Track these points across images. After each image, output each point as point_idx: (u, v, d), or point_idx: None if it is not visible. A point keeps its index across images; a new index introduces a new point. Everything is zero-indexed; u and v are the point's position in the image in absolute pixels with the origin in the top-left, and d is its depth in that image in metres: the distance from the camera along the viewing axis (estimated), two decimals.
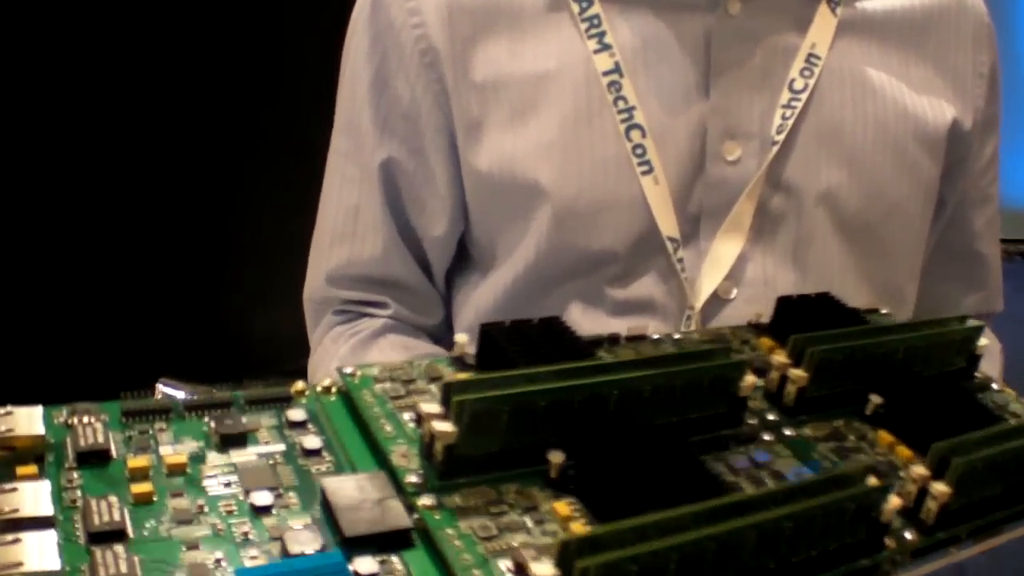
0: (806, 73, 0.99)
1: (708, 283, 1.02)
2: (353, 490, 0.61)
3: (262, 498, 0.61)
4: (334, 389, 0.73)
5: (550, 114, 1.00)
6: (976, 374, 0.85)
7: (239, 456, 0.65)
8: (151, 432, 0.65)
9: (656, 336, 0.82)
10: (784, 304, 0.85)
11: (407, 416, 0.69)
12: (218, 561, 0.55)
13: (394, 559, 0.58)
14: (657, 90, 0.99)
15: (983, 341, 0.87)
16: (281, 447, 0.67)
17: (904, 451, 0.73)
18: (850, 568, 0.62)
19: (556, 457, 0.65)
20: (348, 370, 0.74)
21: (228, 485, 0.62)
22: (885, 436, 0.75)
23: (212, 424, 0.66)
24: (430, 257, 1.15)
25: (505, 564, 0.58)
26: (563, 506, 0.63)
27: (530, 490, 0.64)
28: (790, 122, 0.99)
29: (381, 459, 0.66)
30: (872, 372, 0.78)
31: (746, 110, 1.00)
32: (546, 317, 0.76)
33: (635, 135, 0.97)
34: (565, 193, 1.00)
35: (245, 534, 0.58)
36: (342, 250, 1.13)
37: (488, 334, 0.74)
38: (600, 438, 0.65)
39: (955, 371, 0.83)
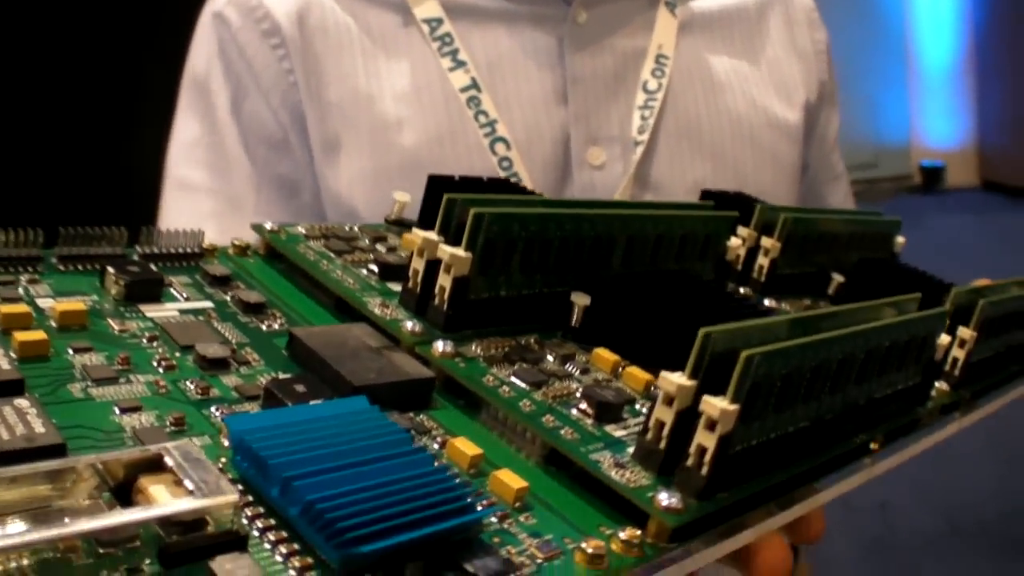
0: (657, 73, 0.90)
1: None
2: (337, 338, 0.42)
3: (214, 350, 0.40)
4: (250, 251, 0.52)
5: (411, 133, 0.85)
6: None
7: (156, 312, 0.44)
8: (21, 283, 0.41)
9: None
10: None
11: (364, 272, 0.50)
12: (177, 422, 0.34)
13: (422, 418, 0.39)
14: (517, 102, 0.87)
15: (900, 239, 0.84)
16: (208, 304, 0.46)
17: None
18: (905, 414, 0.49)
19: (581, 299, 0.48)
20: (269, 225, 0.53)
21: (153, 341, 0.40)
22: None
23: (112, 273, 0.43)
24: None
25: (573, 409, 0.40)
26: (606, 353, 0.46)
27: (551, 341, 0.47)
28: (650, 122, 0.89)
29: (352, 315, 0.46)
30: (827, 251, 0.68)
31: (605, 115, 0.89)
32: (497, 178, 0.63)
33: (500, 148, 0.84)
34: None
35: (205, 391, 0.37)
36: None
37: (436, 183, 0.54)
38: (623, 282, 0.48)
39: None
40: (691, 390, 0.38)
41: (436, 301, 0.46)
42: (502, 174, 0.84)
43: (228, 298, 0.47)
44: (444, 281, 0.45)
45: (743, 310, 0.51)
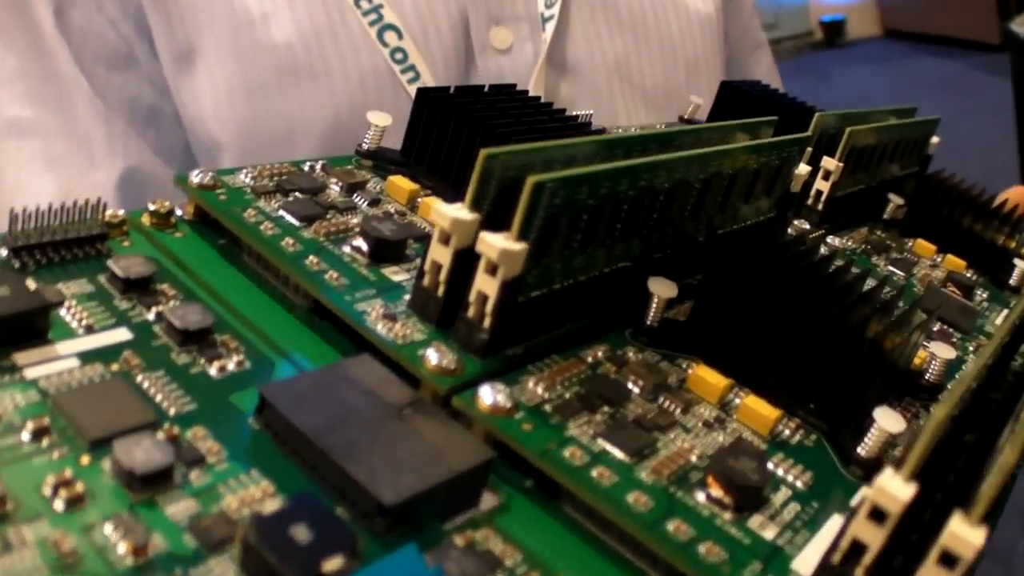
0: None
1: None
2: (334, 397, 0.22)
3: (147, 455, 0.19)
4: (175, 219, 0.29)
5: (279, 29, 0.60)
6: None
7: (39, 367, 0.22)
8: None
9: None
10: (726, 90, 0.55)
11: (347, 250, 0.28)
12: None
13: (477, 536, 0.21)
14: None
15: (935, 139, 0.60)
16: (124, 335, 0.24)
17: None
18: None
19: (664, 289, 0.29)
20: (198, 177, 0.29)
21: (42, 438, 0.20)
22: (923, 244, 0.48)
23: None
24: None
25: (693, 493, 0.23)
26: (707, 372, 0.27)
27: (625, 352, 0.28)
28: None
29: (334, 321, 0.27)
30: (875, 165, 0.50)
31: None
32: (500, 84, 0.38)
33: (390, 38, 0.62)
34: (319, 123, 0.59)
35: (140, 549, 0.18)
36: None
37: (426, 98, 0.35)
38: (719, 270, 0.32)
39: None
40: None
41: (471, 313, 0.24)
42: (396, 68, 0.61)
43: (152, 316, 0.25)
44: (487, 287, 0.24)
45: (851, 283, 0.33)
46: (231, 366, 0.23)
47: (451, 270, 0.24)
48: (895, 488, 0.18)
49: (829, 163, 0.42)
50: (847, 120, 0.46)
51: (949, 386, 0.31)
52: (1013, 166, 1.35)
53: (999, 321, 0.41)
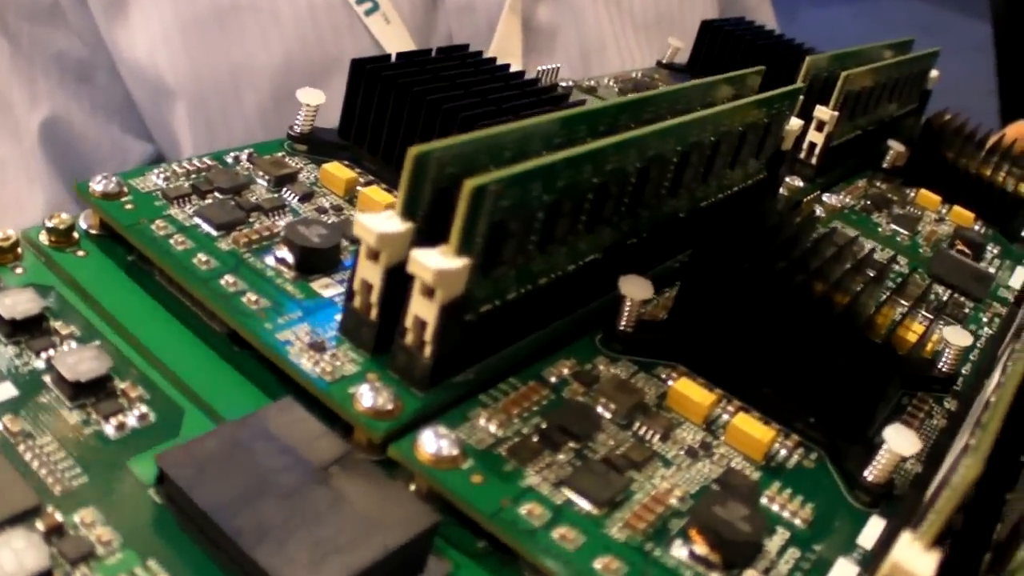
0: None
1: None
2: (245, 461, 0.18)
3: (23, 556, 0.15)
4: (77, 233, 0.25)
5: None
6: None
7: None
8: None
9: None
10: (707, 30, 0.50)
11: (270, 262, 0.24)
12: None
13: None
14: None
15: (934, 73, 0.55)
16: (9, 391, 0.20)
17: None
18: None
19: (638, 290, 0.25)
20: (100, 184, 0.25)
21: None
22: (927, 195, 0.44)
23: None
24: None
25: (673, 549, 0.19)
26: (690, 387, 0.24)
27: (595, 365, 0.24)
28: None
29: (264, 365, 0.22)
30: (872, 107, 0.45)
31: None
32: (451, 46, 0.33)
33: None
34: (267, 67, 0.52)
35: None
36: None
37: (362, 69, 0.30)
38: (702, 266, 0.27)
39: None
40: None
41: (409, 340, 0.21)
42: (353, 0, 0.53)
43: (43, 364, 0.21)
44: (424, 311, 0.20)
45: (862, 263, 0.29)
46: (132, 421, 0.20)
47: (383, 291, 0.20)
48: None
49: (823, 112, 0.38)
50: (840, 62, 0.41)
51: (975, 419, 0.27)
52: (992, 108, 1.30)
53: (1014, 282, 0.37)
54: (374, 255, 0.20)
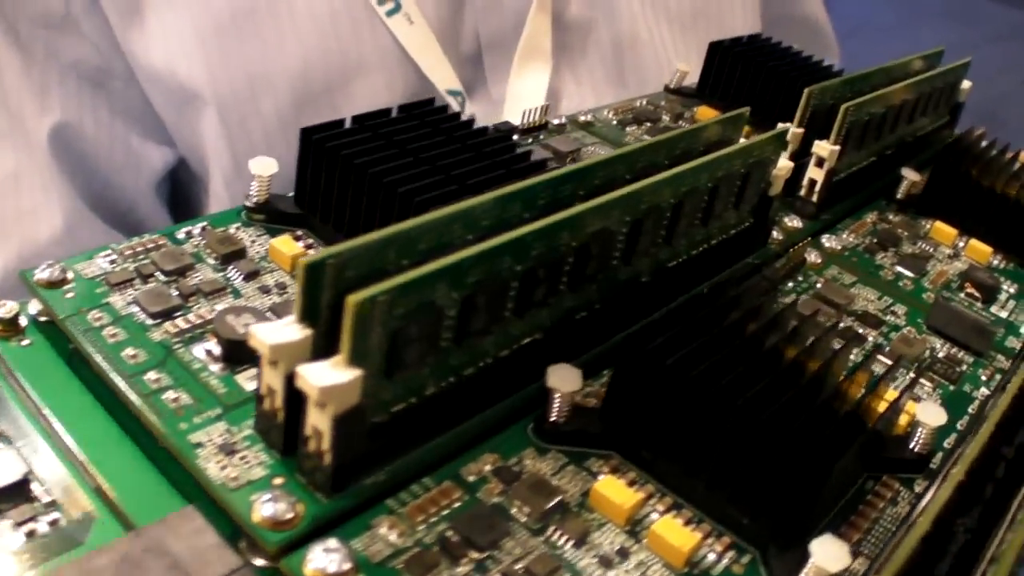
0: None
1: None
2: None
3: None
4: (24, 317, 0.25)
5: None
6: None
7: None
8: None
9: (559, 120, 0.41)
10: (716, 52, 0.47)
11: (199, 353, 0.24)
12: None
13: None
14: None
15: (966, 84, 0.51)
16: None
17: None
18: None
19: (566, 380, 0.24)
20: (45, 272, 0.25)
21: None
22: (942, 228, 0.40)
23: None
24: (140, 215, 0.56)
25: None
26: (613, 487, 0.23)
27: (522, 459, 0.23)
28: None
29: (175, 475, 0.22)
30: (889, 130, 0.43)
31: None
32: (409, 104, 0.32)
33: None
34: (285, 71, 0.51)
35: None
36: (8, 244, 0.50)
37: (309, 139, 0.29)
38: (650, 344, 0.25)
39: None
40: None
41: (310, 448, 0.20)
42: (374, 1, 0.51)
43: None
44: (319, 422, 0.20)
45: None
46: (43, 527, 0.20)
47: (286, 397, 0.20)
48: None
49: (822, 148, 0.36)
50: (849, 87, 0.39)
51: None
52: (1021, 99, 1.22)
53: None
54: (273, 362, 0.20)
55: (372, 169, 0.27)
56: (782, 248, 0.35)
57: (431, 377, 0.22)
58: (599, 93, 0.56)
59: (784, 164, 0.33)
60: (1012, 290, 0.37)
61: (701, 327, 0.24)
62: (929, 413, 0.25)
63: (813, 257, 0.35)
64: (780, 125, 0.37)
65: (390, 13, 0.51)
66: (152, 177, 0.53)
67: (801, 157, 0.37)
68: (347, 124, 0.29)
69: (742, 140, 0.33)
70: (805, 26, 0.75)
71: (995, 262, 0.39)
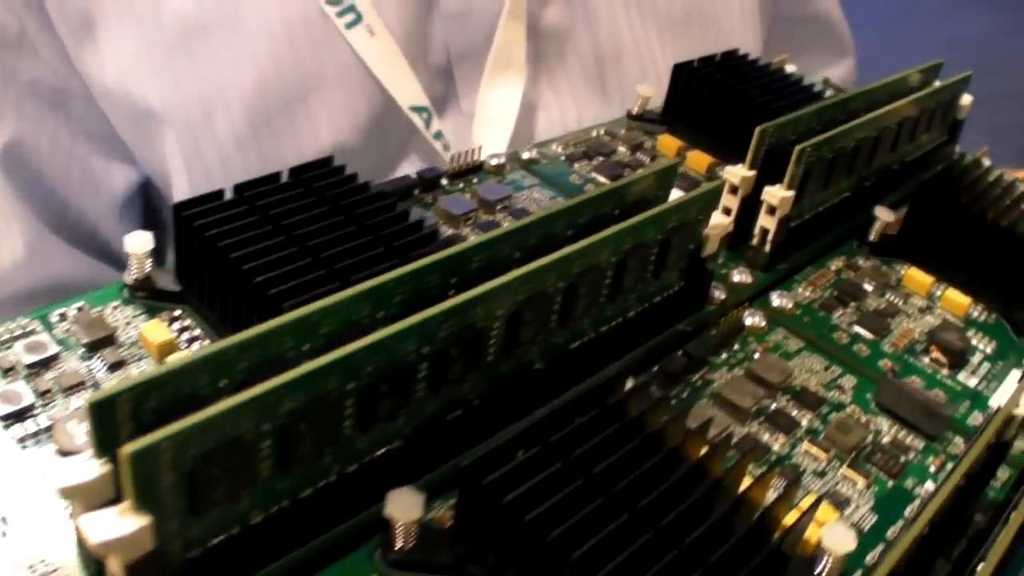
0: None
1: (489, 154, 0.49)
2: None
3: None
4: None
5: None
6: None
7: None
8: None
9: (496, 159, 0.38)
10: (680, 74, 0.43)
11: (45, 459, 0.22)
12: None
13: None
14: None
15: (966, 99, 0.46)
16: None
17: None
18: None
19: (406, 511, 0.21)
20: None
21: None
22: (916, 276, 0.37)
23: None
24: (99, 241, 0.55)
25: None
26: None
27: None
28: None
29: None
30: (866, 161, 0.39)
31: None
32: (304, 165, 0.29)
33: None
34: (238, 88, 0.49)
35: None
36: None
37: (179, 215, 0.27)
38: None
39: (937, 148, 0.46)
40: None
41: None
42: (332, 12, 0.48)
43: None
44: (115, 570, 0.16)
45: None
46: None
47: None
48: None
49: (772, 195, 0.33)
50: (819, 118, 0.36)
51: None
52: None
53: (996, 399, 0.31)
54: (72, 504, 0.18)
55: (234, 253, 0.25)
56: (725, 309, 0.32)
57: (253, 507, 0.20)
58: (580, 105, 0.53)
59: (719, 222, 0.30)
60: (989, 350, 0.33)
61: (558, 450, 0.21)
62: (836, 537, 0.22)
63: (755, 320, 0.31)
64: (728, 170, 0.33)
65: (350, 25, 0.48)
66: (113, 198, 0.52)
67: (755, 202, 0.34)
68: (227, 195, 0.27)
69: (674, 194, 0.30)
70: (817, 25, 0.70)
71: (975, 314, 0.35)
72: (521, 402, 0.25)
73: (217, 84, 0.47)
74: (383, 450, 0.22)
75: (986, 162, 0.46)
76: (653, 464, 0.21)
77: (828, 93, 0.51)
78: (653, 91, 0.42)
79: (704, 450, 0.22)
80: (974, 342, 0.33)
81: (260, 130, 0.48)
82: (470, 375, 0.23)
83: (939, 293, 0.35)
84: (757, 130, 0.33)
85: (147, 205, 0.56)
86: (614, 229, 0.26)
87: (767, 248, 0.34)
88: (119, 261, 0.55)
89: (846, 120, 0.36)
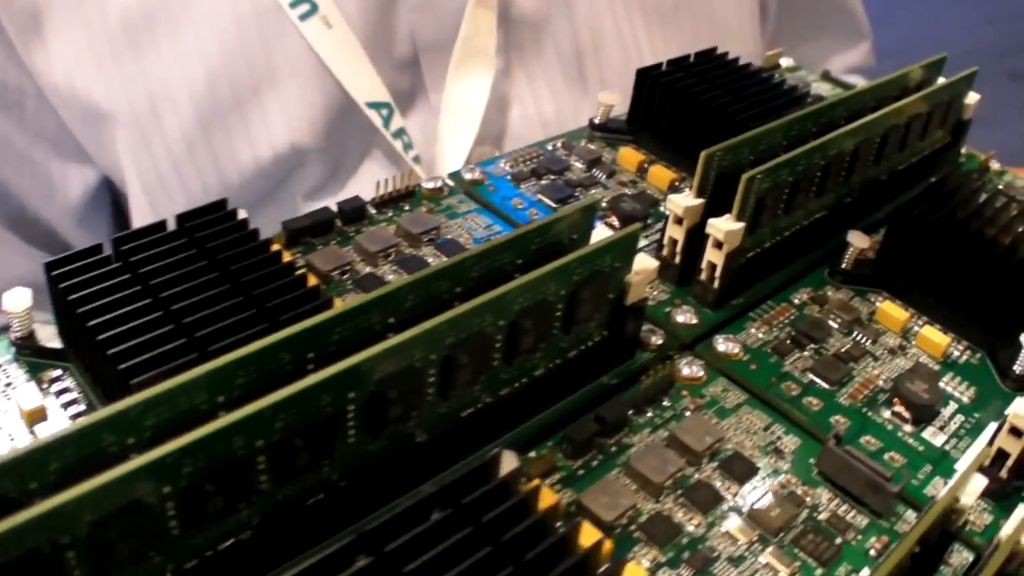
0: None
1: (456, 153, 0.49)
2: None
3: None
4: None
5: None
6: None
7: None
8: None
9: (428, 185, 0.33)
10: (644, 80, 0.39)
11: None
12: None
13: None
14: None
15: (972, 97, 0.42)
16: None
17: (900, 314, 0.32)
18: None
19: None
20: None
21: None
22: (890, 312, 0.33)
23: None
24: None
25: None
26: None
27: None
28: None
29: None
30: (833, 189, 0.35)
31: None
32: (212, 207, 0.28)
33: None
34: (186, 84, 0.47)
35: None
36: None
37: (51, 272, 0.25)
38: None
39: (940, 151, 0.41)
40: None
41: None
42: (285, 3, 0.45)
43: None
44: None
45: None
46: None
47: None
48: None
49: (717, 229, 0.29)
50: (785, 133, 0.33)
51: None
52: None
53: (963, 462, 0.27)
54: None
55: (92, 321, 0.23)
56: (663, 355, 0.29)
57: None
58: (557, 98, 0.50)
59: (644, 267, 0.27)
60: (966, 398, 0.29)
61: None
62: None
63: (692, 370, 0.28)
64: (671, 199, 0.30)
65: (304, 16, 0.46)
66: (67, 200, 0.51)
67: (702, 232, 0.31)
68: (105, 251, 0.25)
69: (595, 235, 0.27)
70: (830, 8, 0.65)
71: (955, 354, 0.31)
72: (401, 480, 0.23)
73: (164, 81, 0.45)
74: (220, 547, 0.20)
75: (994, 166, 0.41)
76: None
77: (827, 90, 0.47)
78: (618, 98, 0.39)
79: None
80: (949, 389, 0.30)
81: (211, 129, 0.46)
82: (327, 463, 0.21)
83: (917, 329, 0.32)
84: (702, 156, 0.30)
85: (117, 204, 0.55)
86: (501, 291, 0.23)
87: (715, 285, 0.30)
88: None
89: (822, 132, 0.32)
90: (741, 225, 0.30)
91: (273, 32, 0.44)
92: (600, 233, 0.27)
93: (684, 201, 0.30)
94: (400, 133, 0.47)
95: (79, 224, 0.52)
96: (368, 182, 0.47)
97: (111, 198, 0.54)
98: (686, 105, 0.37)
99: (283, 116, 0.46)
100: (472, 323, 0.23)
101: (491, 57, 0.47)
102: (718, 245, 0.30)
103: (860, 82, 0.68)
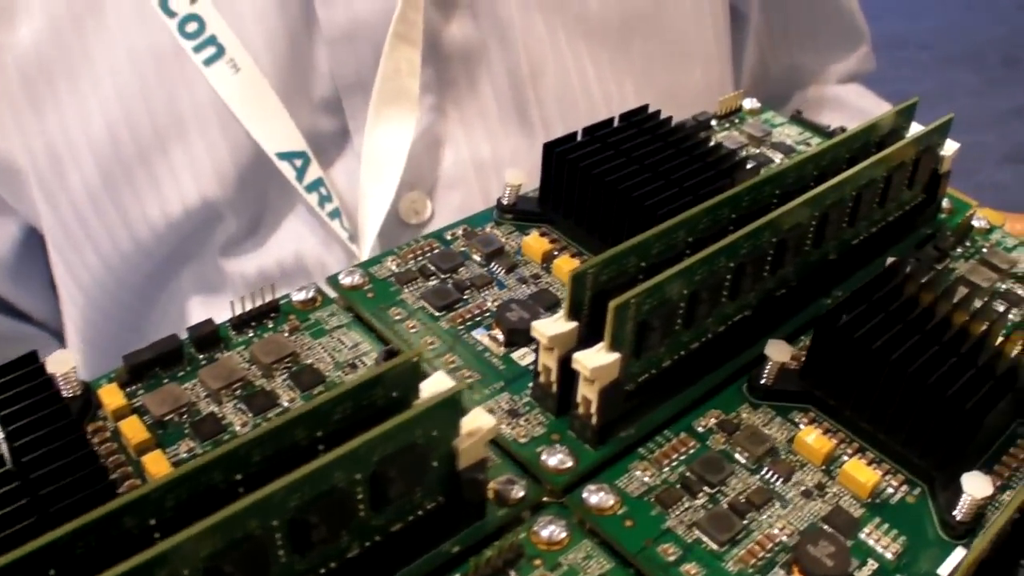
0: None
1: (379, 203, 0.46)
2: None
3: None
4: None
5: (30, 25, 0.44)
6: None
7: None
8: None
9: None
10: (551, 154, 0.35)
11: None
12: None
13: None
14: None
15: (949, 147, 0.37)
16: None
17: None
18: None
19: None
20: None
21: None
22: (808, 442, 0.28)
23: None
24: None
25: None
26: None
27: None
28: None
29: None
30: (763, 283, 0.31)
31: None
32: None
33: (177, 3, 0.43)
34: (85, 137, 0.45)
35: None
36: None
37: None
38: None
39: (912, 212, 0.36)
40: None
41: None
42: (189, 46, 0.43)
43: None
44: None
45: None
46: None
47: None
48: None
49: (582, 364, 0.26)
50: (690, 230, 0.29)
51: None
52: None
53: None
54: None
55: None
56: (521, 513, 0.25)
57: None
58: (494, 139, 0.46)
59: (477, 427, 0.23)
60: (891, 553, 0.25)
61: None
62: None
63: (552, 532, 0.25)
64: (534, 326, 0.27)
65: (209, 61, 0.44)
66: None
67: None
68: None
69: (427, 388, 0.24)
70: (824, 12, 0.59)
71: (888, 490, 0.27)
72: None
73: (65, 134, 0.44)
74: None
75: (976, 224, 0.36)
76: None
77: (794, 136, 0.42)
78: (523, 177, 0.35)
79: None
80: (871, 542, 0.25)
81: (116, 184, 0.45)
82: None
83: (846, 458, 0.27)
84: (569, 276, 0.26)
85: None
86: (268, 491, 0.20)
87: (594, 421, 0.27)
88: (24, 316, 0.55)
89: (745, 218, 0.28)
90: (614, 357, 0.26)
91: (176, 79, 0.42)
92: (437, 383, 0.24)
93: (550, 329, 0.26)
94: (316, 185, 0.44)
95: (12, 279, 0.51)
96: (292, 236, 0.45)
97: (42, 250, 0.53)
98: (594, 186, 0.33)
99: (191, 169, 0.44)
100: (242, 526, 0.19)
101: (414, 97, 0.43)
102: (590, 380, 0.26)
103: (853, 95, 0.61)
